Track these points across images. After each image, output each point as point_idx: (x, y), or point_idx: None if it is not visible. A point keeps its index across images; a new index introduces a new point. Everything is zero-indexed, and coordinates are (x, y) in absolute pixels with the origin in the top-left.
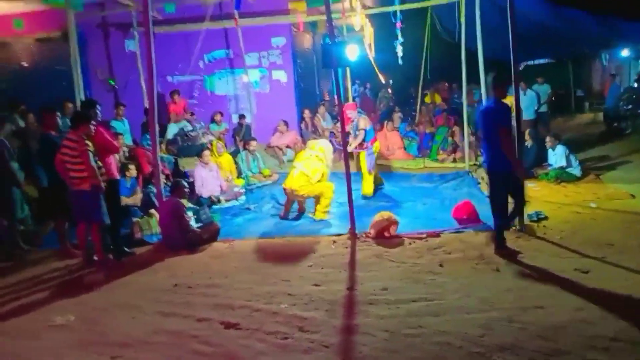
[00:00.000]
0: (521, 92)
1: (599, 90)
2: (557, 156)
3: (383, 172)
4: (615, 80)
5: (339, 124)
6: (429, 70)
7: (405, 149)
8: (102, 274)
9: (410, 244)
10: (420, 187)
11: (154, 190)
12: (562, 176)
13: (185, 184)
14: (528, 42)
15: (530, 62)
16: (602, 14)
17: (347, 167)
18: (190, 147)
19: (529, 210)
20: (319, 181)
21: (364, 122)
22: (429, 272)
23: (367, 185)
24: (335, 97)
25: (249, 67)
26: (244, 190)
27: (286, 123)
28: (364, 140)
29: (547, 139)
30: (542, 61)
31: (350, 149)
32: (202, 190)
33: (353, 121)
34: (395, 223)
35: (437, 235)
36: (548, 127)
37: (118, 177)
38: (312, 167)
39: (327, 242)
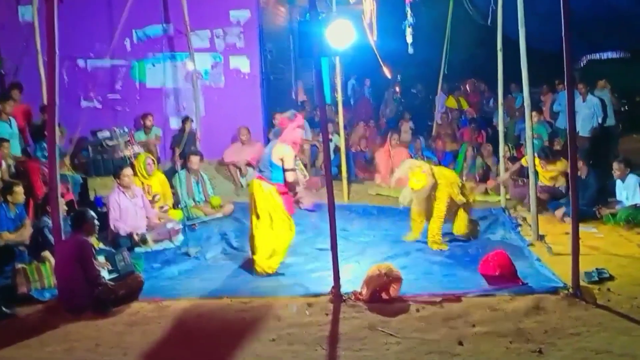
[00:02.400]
0: (579, 99)
1: None
2: (628, 190)
3: (380, 204)
4: None
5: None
6: (450, 64)
7: None
8: None
9: (417, 310)
10: None
11: (50, 223)
12: (636, 218)
13: (95, 215)
14: (593, 30)
15: (596, 57)
16: None
17: (331, 197)
18: (105, 163)
19: (587, 266)
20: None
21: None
22: (444, 353)
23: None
24: (316, 97)
25: (197, 50)
26: (181, 226)
27: (249, 131)
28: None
29: (615, 166)
30: (611, 55)
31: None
32: (120, 226)
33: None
34: (398, 280)
35: (457, 299)
36: (616, 149)
37: None
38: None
39: (299, 306)
